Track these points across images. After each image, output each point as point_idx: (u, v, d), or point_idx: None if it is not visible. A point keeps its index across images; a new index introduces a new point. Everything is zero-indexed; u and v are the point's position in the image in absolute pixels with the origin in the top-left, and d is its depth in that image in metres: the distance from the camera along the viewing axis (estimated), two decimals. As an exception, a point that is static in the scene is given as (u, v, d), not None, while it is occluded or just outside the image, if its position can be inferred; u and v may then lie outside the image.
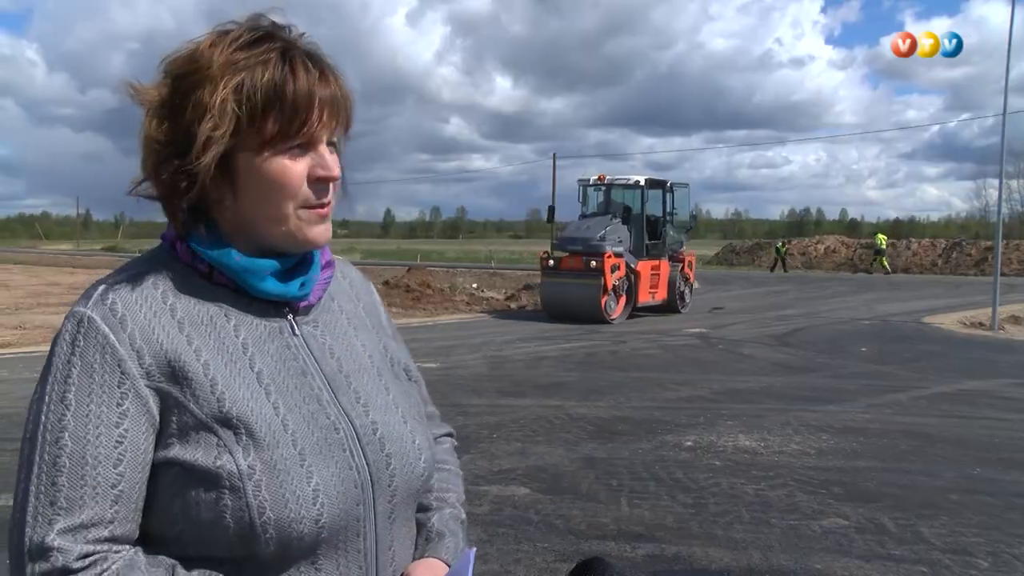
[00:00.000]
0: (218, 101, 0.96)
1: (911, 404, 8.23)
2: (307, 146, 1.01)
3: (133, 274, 1.02)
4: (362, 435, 1.04)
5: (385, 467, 1.05)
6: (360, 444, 1.03)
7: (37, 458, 0.92)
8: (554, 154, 43.90)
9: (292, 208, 1.01)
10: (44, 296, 22.48)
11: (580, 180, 18.76)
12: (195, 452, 0.95)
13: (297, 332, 1.07)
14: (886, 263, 38.61)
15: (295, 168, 1.00)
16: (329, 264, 1.14)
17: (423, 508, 1.19)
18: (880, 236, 41.00)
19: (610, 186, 18.24)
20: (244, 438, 0.96)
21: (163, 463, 0.96)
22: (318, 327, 1.10)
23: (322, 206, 1.03)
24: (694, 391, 8.87)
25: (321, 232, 1.04)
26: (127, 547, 0.93)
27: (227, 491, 0.93)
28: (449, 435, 1.34)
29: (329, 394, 1.05)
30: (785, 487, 5.34)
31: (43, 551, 0.89)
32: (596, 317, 15.96)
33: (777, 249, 42.39)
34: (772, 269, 40.75)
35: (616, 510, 4.88)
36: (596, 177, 18.35)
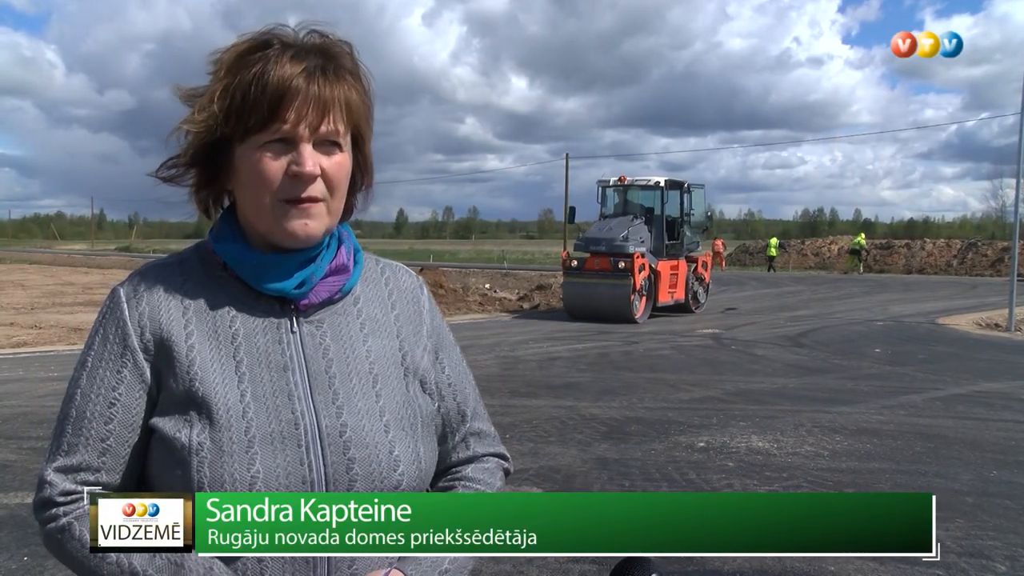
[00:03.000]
0: (206, 99, 1.06)
1: (926, 406, 8.17)
2: (290, 143, 1.05)
3: (168, 261, 1.15)
4: (325, 435, 1.07)
5: (345, 470, 1.06)
6: (320, 443, 1.06)
7: (61, 408, 1.09)
8: (567, 154, 43.97)
9: (270, 201, 1.06)
10: (59, 296, 22.66)
11: (600, 181, 18.69)
12: (167, 423, 1.05)
13: (295, 329, 1.12)
14: (859, 264, 39.58)
15: (273, 163, 1.05)
16: (343, 270, 1.15)
17: None
18: (860, 237, 42.21)
19: (630, 187, 18.24)
20: (204, 417, 1.04)
21: (151, 429, 1.07)
22: (321, 327, 1.13)
23: (300, 201, 1.06)
24: (707, 392, 8.84)
25: (299, 227, 1.07)
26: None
27: (178, 463, 1.03)
28: (497, 456, 1.28)
29: (304, 391, 1.09)
30: (798, 489, 5.30)
31: (42, 483, 1.06)
32: (624, 317, 15.92)
33: (778, 245, 42.61)
34: (768, 269, 40.72)
35: (628, 511, 4.87)
36: (617, 178, 18.27)
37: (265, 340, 1.09)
